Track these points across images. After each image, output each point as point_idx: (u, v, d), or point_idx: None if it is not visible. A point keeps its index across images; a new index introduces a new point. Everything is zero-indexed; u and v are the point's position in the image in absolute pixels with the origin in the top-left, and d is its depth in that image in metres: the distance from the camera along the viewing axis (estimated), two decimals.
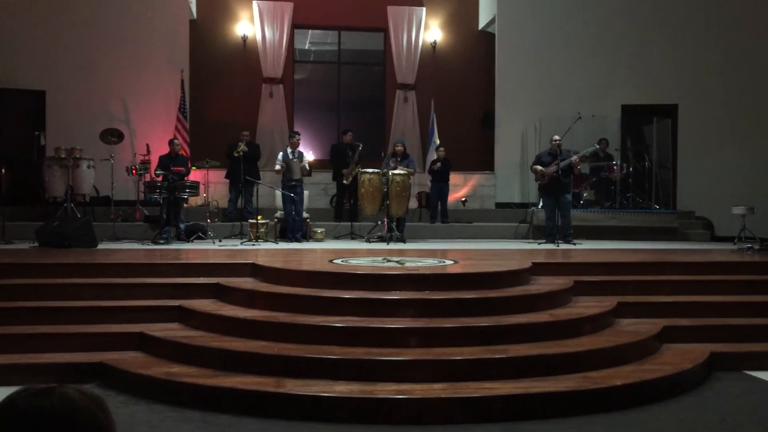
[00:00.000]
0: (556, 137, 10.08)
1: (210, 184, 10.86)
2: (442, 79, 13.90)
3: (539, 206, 11.17)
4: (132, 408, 4.32)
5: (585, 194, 11.82)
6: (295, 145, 10.24)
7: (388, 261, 6.96)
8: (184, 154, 11.07)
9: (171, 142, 10.42)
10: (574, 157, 9.87)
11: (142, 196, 10.65)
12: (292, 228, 10.02)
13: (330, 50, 14.62)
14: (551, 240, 9.89)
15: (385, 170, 10.04)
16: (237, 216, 10.88)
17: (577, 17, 12.90)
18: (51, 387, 1.12)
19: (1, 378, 4.66)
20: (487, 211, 12.60)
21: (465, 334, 5.01)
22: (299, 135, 10.52)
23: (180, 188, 9.52)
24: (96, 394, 1.16)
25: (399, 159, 10.32)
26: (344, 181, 11.22)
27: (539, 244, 9.93)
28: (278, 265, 6.54)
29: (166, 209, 9.48)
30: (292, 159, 10.04)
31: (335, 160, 11.61)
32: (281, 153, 10.30)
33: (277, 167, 10.18)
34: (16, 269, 6.53)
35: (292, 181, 9.99)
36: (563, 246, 9.56)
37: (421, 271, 6.13)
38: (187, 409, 4.24)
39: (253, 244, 9.26)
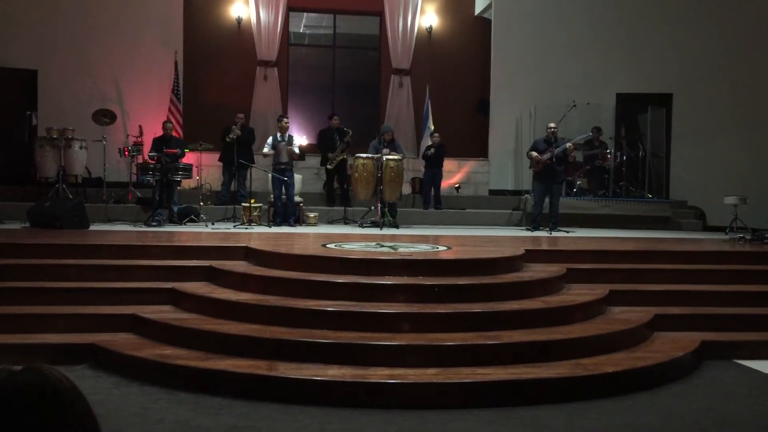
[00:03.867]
0: (552, 124, 10.09)
1: (203, 166, 10.81)
2: (438, 65, 13.84)
3: (531, 193, 11.18)
4: (124, 389, 4.31)
5: (578, 182, 11.84)
6: (284, 129, 10.21)
7: (381, 246, 6.96)
8: (177, 136, 11.01)
9: (164, 125, 10.36)
10: (569, 144, 9.89)
11: (134, 177, 10.59)
12: (282, 212, 10.00)
13: (325, 34, 14.53)
14: (536, 226, 9.95)
15: (378, 155, 10.03)
16: (230, 199, 10.85)
17: (573, 5, 12.86)
18: (36, 366, 1.04)
19: None
20: (481, 197, 12.61)
21: (458, 319, 5.02)
22: (287, 119, 10.50)
23: (173, 170, 9.48)
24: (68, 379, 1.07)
25: (385, 144, 10.25)
26: (327, 166, 11.24)
27: (532, 231, 9.95)
28: (271, 248, 6.53)
29: (158, 191, 9.44)
30: (280, 142, 10.03)
31: (322, 146, 11.58)
32: (271, 137, 10.29)
33: (265, 150, 10.18)
34: (7, 249, 6.49)
35: (280, 164, 9.99)
36: (555, 234, 9.60)
37: (414, 257, 6.13)
38: (179, 391, 4.24)
39: (246, 228, 9.24)
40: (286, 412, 3.98)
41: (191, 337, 4.83)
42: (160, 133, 10.25)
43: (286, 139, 10.15)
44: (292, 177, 10.14)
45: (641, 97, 12.64)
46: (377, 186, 9.83)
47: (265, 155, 10.21)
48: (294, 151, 10.12)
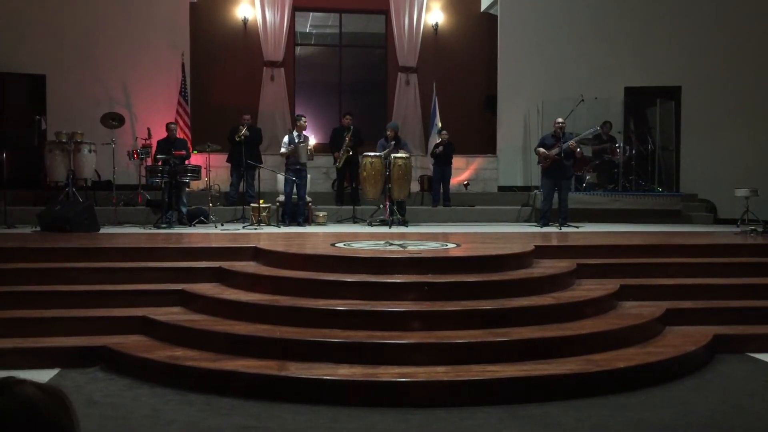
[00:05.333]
0: (560, 120, 10.04)
1: (212, 168, 10.83)
2: (444, 62, 13.81)
3: (540, 189, 11.15)
4: (135, 391, 4.33)
5: (588, 177, 11.79)
6: (301, 128, 10.16)
7: (391, 244, 6.95)
8: (184, 137, 11.03)
9: (168, 126, 10.35)
10: (572, 141, 9.82)
11: (143, 180, 10.63)
12: (292, 212, 9.99)
13: (331, 33, 14.53)
14: (545, 222, 9.91)
15: (385, 153, 10.00)
16: (239, 200, 10.87)
17: None
18: (8, 383, 1.01)
19: (5, 362, 4.67)
20: (490, 194, 12.57)
21: (468, 317, 5.01)
22: (305, 118, 10.43)
23: (181, 172, 9.50)
24: (58, 391, 1.06)
25: (392, 143, 10.17)
26: (335, 164, 11.23)
27: (541, 227, 9.92)
28: (280, 248, 6.54)
29: (167, 193, 9.47)
30: (298, 142, 9.97)
31: (333, 144, 11.58)
32: (286, 136, 10.20)
33: (283, 150, 10.10)
34: (18, 253, 6.53)
35: (297, 164, 9.93)
36: (565, 229, 9.56)
37: (423, 255, 6.12)
38: (190, 393, 4.25)
39: (255, 228, 9.26)
40: (297, 411, 3.98)
41: (202, 338, 4.85)
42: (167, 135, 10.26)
43: (303, 138, 10.10)
44: (306, 178, 10.13)
45: (649, 91, 12.56)
46: (385, 184, 9.82)
47: (283, 155, 10.13)
48: (311, 152, 10.11)
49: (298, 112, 12.50)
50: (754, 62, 12.48)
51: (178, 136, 10.52)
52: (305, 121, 10.30)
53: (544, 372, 4.33)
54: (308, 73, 14.21)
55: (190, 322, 5.15)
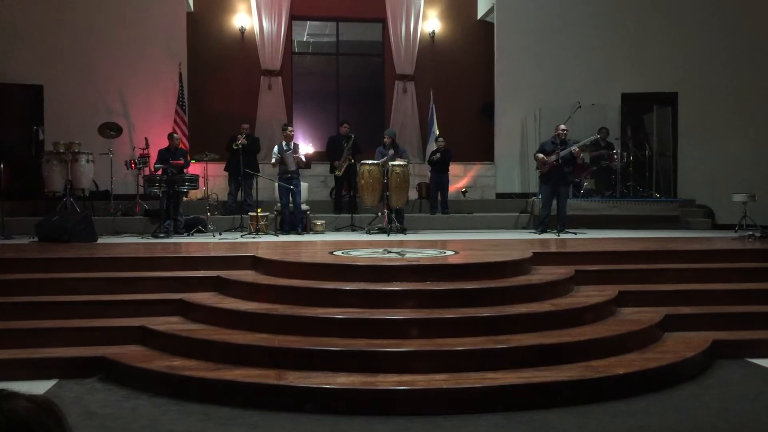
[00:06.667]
0: (562, 126, 10.06)
1: (209, 177, 10.82)
2: (441, 70, 13.84)
3: (539, 196, 11.16)
4: (134, 402, 4.32)
5: (585, 183, 11.80)
6: (288, 138, 10.20)
7: (389, 252, 6.95)
8: (183, 147, 11.04)
9: (170, 136, 10.39)
10: (574, 147, 9.84)
11: (141, 189, 10.63)
12: (289, 220, 10.00)
13: (328, 41, 14.57)
14: (543, 229, 9.91)
15: (383, 161, 10.03)
16: (237, 209, 10.86)
17: (576, 6, 12.84)
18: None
19: (3, 373, 4.66)
20: (488, 201, 12.58)
21: (466, 324, 5.00)
22: (292, 127, 10.48)
23: (179, 181, 9.50)
24: (50, 403, 1.06)
25: (392, 151, 10.19)
26: (336, 173, 11.24)
27: (540, 233, 9.92)
28: (279, 257, 6.53)
29: (165, 203, 9.47)
30: (286, 151, 10.01)
31: (330, 153, 11.59)
32: (276, 146, 10.27)
33: (272, 160, 10.16)
34: (16, 264, 6.52)
35: (287, 173, 9.97)
36: (563, 235, 9.56)
37: (421, 262, 6.11)
38: (189, 403, 4.24)
39: (254, 237, 9.25)
40: (296, 421, 3.97)
41: (200, 348, 4.84)
42: (165, 144, 10.28)
43: (292, 147, 10.15)
44: (299, 185, 10.14)
45: (646, 97, 12.59)
46: (384, 192, 9.82)
47: (273, 165, 10.19)
48: (301, 159, 10.11)
49: (295, 121, 12.54)
50: (750, 67, 12.52)
51: (179, 146, 10.53)
52: (291, 130, 10.35)
53: (543, 379, 4.32)
54: (306, 81, 14.23)
55: (188, 331, 5.14)
